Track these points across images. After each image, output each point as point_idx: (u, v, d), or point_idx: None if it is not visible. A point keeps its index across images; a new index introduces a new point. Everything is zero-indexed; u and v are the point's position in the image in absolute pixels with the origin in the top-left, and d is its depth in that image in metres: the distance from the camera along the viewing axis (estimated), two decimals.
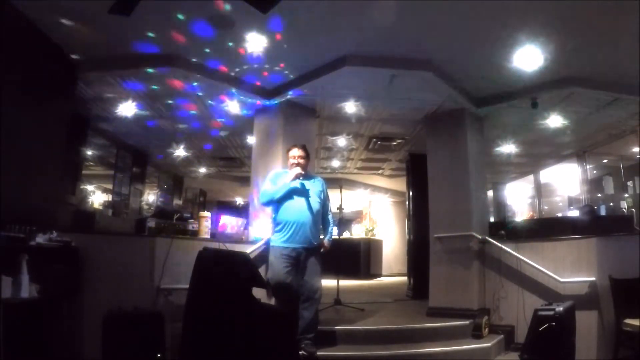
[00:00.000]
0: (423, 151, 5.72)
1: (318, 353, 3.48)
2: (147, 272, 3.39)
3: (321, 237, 3.90)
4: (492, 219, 8.45)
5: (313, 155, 5.60)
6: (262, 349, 2.54)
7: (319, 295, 3.64)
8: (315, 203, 3.74)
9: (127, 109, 5.29)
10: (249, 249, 4.02)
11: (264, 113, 5.14)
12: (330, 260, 4.34)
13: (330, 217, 4.00)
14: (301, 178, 3.72)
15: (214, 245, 3.65)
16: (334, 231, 4.17)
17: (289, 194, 3.67)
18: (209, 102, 5.18)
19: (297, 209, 3.65)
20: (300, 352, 3.35)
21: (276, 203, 3.72)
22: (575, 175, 7.89)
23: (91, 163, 7.73)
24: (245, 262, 2.91)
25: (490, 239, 4.72)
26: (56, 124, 4.04)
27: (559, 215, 9.21)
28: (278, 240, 3.64)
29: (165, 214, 4.11)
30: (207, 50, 4.10)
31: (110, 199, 7.86)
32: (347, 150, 7.46)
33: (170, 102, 5.24)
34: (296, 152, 3.82)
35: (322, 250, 3.82)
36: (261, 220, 4.56)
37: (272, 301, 3.67)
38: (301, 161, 3.78)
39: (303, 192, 3.70)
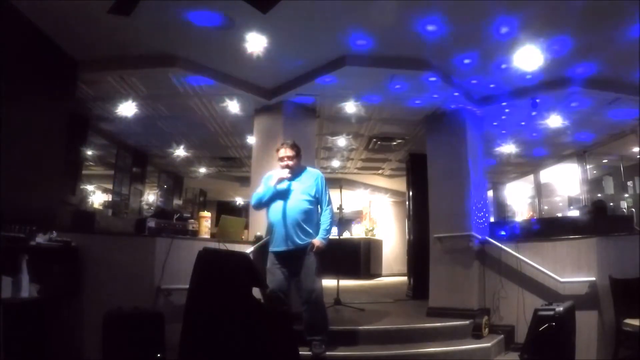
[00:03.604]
0: (423, 151, 5.72)
1: None
2: (147, 272, 3.40)
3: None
4: (492, 219, 8.44)
5: (313, 155, 5.60)
6: (262, 348, 2.54)
7: (315, 297, 3.48)
8: (300, 201, 3.56)
9: (127, 109, 5.28)
10: (249, 249, 4.03)
11: (264, 113, 5.14)
12: (330, 260, 4.32)
13: (327, 212, 3.65)
14: (288, 178, 3.60)
15: (214, 245, 3.66)
16: (333, 229, 3.98)
17: (276, 196, 3.60)
18: (209, 101, 5.17)
19: (279, 211, 3.56)
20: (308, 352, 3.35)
21: (265, 206, 3.69)
22: (575, 175, 7.89)
23: (91, 163, 7.73)
24: (246, 262, 2.91)
25: (490, 239, 4.72)
26: (56, 124, 4.04)
27: (559, 215, 9.21)
28: (269, 245, 3.63)
29: (165, 214, 4.11)
30: (207, 50, 4.09)
31: (110, 199, 7.88)
32: (347, 150, 7.45)
33: (170, 102, 5.24)
34: (282, 152, 3.64)
35: (313, 249, 3.50)
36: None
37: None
38: (290, 162, 3.62)
39: (287, 193, 3.59)
